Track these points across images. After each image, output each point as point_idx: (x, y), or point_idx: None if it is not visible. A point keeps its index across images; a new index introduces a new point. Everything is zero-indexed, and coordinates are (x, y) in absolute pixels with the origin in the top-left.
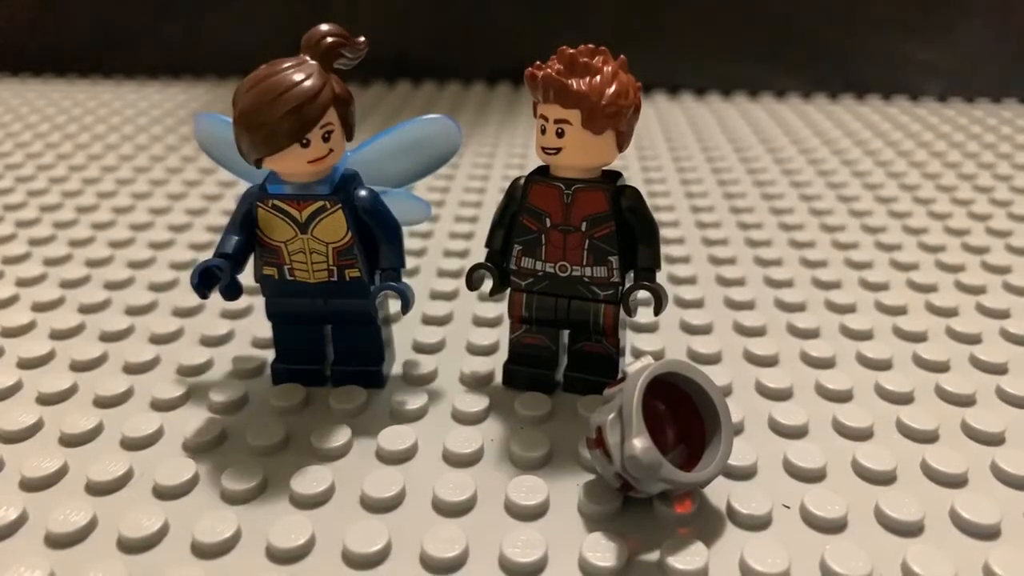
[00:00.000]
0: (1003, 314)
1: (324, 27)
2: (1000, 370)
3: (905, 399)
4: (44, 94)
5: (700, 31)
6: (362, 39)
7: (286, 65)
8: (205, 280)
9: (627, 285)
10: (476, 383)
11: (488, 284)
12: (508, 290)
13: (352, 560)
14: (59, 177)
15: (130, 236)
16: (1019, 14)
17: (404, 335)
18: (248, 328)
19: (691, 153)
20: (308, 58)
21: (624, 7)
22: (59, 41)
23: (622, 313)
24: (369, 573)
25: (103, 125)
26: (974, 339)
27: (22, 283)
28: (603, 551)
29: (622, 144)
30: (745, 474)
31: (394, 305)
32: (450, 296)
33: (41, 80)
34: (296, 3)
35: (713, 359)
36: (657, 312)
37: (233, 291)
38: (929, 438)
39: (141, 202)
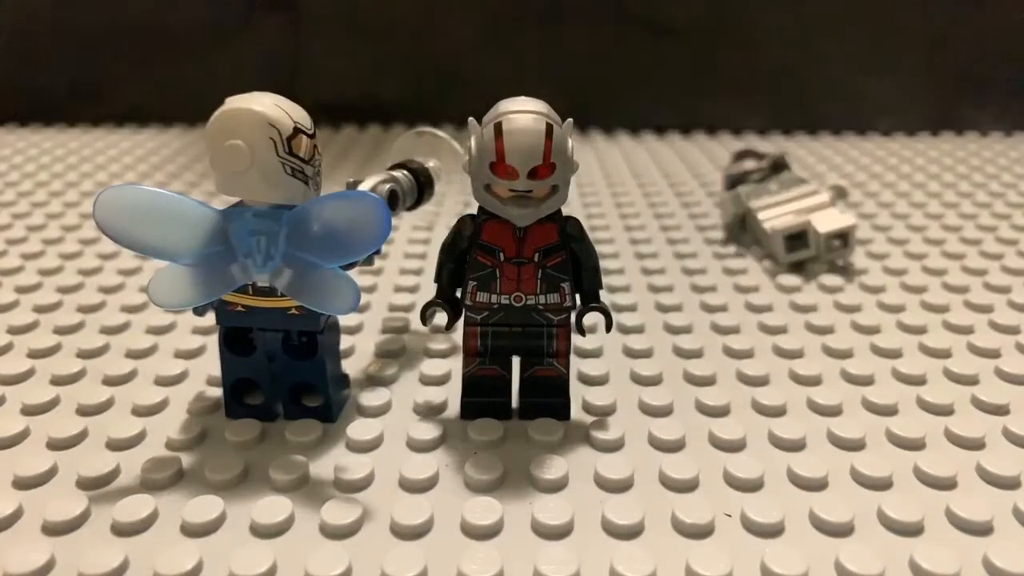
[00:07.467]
0: (967, 329)
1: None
2: (972, 381)
3: (890, 411)
4: (9, 143)
5: (665, 74)
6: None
7: None
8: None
9: (577, 309)
10: (429, 412)
11: (440, 319)
12: (460, 324)
13: None
14: (22, 213)
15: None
16: (946, 53)
17: (359, 368)
18: (203, 367)
19: (629, 189)
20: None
21: (591, 57)
22: (24, 92)
23: (572, 336)
24: None
25: (74, 172)
26: (945, 354)
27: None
28: (556, 564)
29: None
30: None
31: (347, 341)
32: (401, 330)
33: (5, 130)
34: (269, 52)
35: (655, 380)
36: (608, 330)
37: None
38: (918, 445)
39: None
